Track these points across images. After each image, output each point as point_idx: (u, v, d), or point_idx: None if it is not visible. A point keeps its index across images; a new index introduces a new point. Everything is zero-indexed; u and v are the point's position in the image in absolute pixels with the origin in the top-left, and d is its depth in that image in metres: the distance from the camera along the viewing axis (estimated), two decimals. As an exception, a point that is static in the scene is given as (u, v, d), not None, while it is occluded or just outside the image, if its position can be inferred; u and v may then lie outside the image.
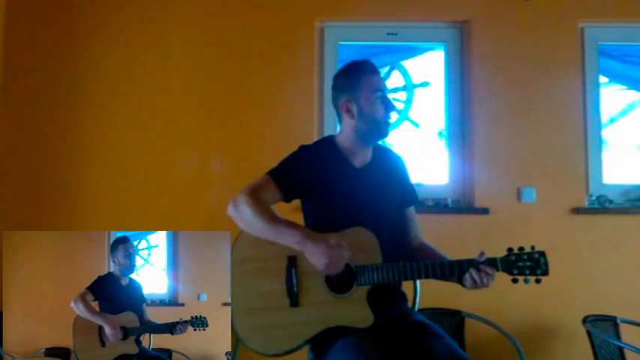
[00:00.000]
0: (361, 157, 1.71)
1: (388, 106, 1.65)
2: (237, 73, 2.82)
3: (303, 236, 1.50)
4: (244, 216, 1.55)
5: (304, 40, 2.83)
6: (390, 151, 1.83)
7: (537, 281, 1.47)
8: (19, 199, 2.76)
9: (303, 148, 1.71)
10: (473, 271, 1.48)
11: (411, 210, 1.80)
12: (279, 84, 2.80)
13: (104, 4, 2.86)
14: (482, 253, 1.50)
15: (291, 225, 1.54)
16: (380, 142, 1.75)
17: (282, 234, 1.52)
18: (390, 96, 1.72)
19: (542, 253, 1.48)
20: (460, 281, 1.52)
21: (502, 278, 1.51)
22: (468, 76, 2.86)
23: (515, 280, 1.49)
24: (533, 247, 1.49)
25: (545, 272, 1.46)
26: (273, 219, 1.54)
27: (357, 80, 1.65)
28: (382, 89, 1.65)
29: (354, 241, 1.53)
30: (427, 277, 1.53)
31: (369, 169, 1.71)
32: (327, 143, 1.72)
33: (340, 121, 1.73)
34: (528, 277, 1.47)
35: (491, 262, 1.49)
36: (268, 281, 1.57)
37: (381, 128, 1.65)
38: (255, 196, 1.56)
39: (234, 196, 1.58)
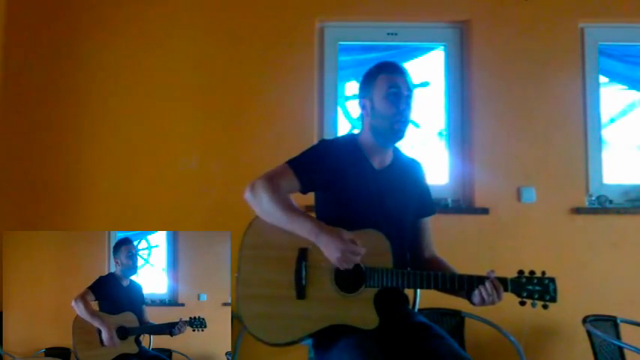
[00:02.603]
0: (380, 159, 1.71)
1: (401, 105, 1.63)
2: (237, 72, 2.81)
3: (318, 228, 1.50)
4: (261, 201, 1.55)
5: (304, 40, 2.83)
6: (412, 158, 1.82)
7: (544, 307, 1.45)
8: (19, 199, 2.76)
9: (325, 142, 1.72)
10: (482, 288, 1.46)
11: (426, 221, 1.79)
12: (279, 84, 2.80)
13: (104, 4, 2.86)
14: (492, 271, 1.49)
15: (307, 216, 1.54)
16: (396, 144, 1.73)
17: (297, 223, 1.52)
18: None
19: (552, 280, 1.46)
20: (469, 297, 1.52)
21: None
22: (468, 76, 2.86)
23: (522, 303, 1.47)
24: (543, 273, 1.48)
25: (554, 299, 1.45)
26: (289, 207, 1.54)
27: (374, 79, 1.67)
28: (398, 87, 1.63)
29: (366, 242, 1.53)
30: (436, 288, 1.52)
31: (388, 172, 1.71)
32: (349, 140, 1.73)
33: (361, 121, 1.74)
34: (536, 302, 1.46)
35: (502, 282, 1.47)
36: (277, 270, 1.56)
37: (393, 127, 1.63)
38: (273, 182, 1.56)
39: (252, 180, 1.58)
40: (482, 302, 1.47)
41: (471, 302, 1.51)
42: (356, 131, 1.79)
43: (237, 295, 1.59)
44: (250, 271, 1.59)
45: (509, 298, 1.48)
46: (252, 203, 1.58)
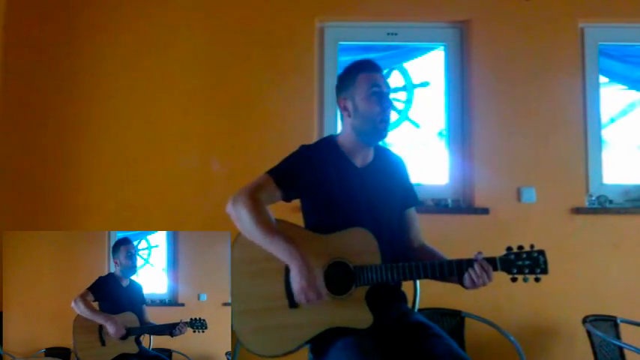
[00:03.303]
0: (362, 157, 1.70)
1: (384, 104, 1.63)
2: (238, 73, 2.81)
3: (294, 251, 1.48)
4: (242, 219, 1.54)
5: (304, 40, 2.83)
6: (392, 152, 1.83)
7: (537, 280, 1.47)
8: (19, 199, 2.76)
9: (304, 148, 1.71)
10: (472, 270, 1.48)
11: (412, 211, 1.79)
12: (279, 84, 2.80)
13: (104, 4, 2.86)
14: (479, 253, 1.51)
15: (284, 237, 1.51)
16: (380, 142, 1.75)
17: (274, 244, 1.50)
18: (391, 95, 1.71)
19: (541, 252, 1.48)
20: (460, 282, 1.53)
21: (502, 278, 1.51)
22: (468, 76, 2.86)
23: (514, 280, 1.49)
24: (532, 246, 1.49)
25: (545, 271, 1.46)
26: (268, 228, 1.52)
27: (354, 78, 1.66)
28: (379, 86, 1.64)
29: (353, 240, 1.53)
30: (426, 277, 1.53)
31: (370, 169, 1.71)
32: (328, 142, 1.72)
33: (342, 121, 1.73)
34: (527, 276, 1.47)
35: (491, 262, 1.49)
36: (267, 282, 1.56)
37: (377, 126, 1.63)
38: (254, 198, 1.54)
39: (234, 194, 1.57)
40: (474, 285, 1.49)
41: (463, 286, 1.52)
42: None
43: (231, 312, 1.58)
44: (240, 286, 1.59)
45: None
46: (233, 219, 1.56)
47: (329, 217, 1.63)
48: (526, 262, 1.47)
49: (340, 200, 1.63)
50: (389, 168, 1.76)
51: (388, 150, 1.83)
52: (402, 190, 1.77)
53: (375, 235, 1.55)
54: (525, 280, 1.47)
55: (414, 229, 1.78)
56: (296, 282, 1.46)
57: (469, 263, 1.49)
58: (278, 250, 1.50)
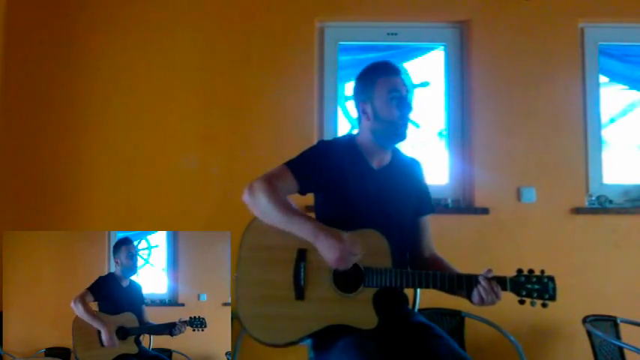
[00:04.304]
0: (379, 159, 1.71)
1: (403, 108, 1.64)
2: (237, 72, 2.82)
3: (317, 228, 1.49)
4: (259, 203, 1.54)
5: (304, 40, 2.83)
6: (410, 157, 1.82)
7: (544, 305, 1.45)
8: (19, 199, 2.76)
9: (323, 143, 1.72)
10: (481, 287, 1.46)
11: (425, 220, 1.79)
12: (279, 84, 2.80)
13: (104, 4, 2.86)
14: (489, 270, 1.48)
15: (306, 217, 1.53)
16: (398, 145, 1.75)
17: (296, 224, 1.51)
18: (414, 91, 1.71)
19: (551, 278, 1.46)
20: (468, 297, 1.51)
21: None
22: (468, 76, 2.86)
23: (522, 302, 1.47)
24: (542, 271, 1.47)
25: (553, 298, 1.45)
26: (288, 208, 1.53)
27: (373, 82, 1.66)
28: (399, 90, 1.65)
29: (365, 242, 1.53)
30: (435, 287, 1.52)
31: (386, 172, 1.71)
32: (347, 141, 1.73)
33: (359, 122, 1.73)
34: (535, 301, 1.45)
35: (501, 281, 1.47)
36: (276, 271, 1.57)
37: (397, 130, 1.65)
38: (272, 184, 1.55)
39: (250, 182, 1.57)
40: (482, 302, 1.47)
41: (471, 302, 1.51)
42: (355, 131, 1.79)
43: (236, 296, 1.59)
44: (249, 271, 1.59)
45: (509, 298, 1.48)
46: (250, 205, 1.57)
47: (340, 215, 1.63)
48: (535, 287, 1.45)
49: (354, 199, 1.64)
50: (406, 173, 1.76)
51: (406, 155, 1.82)
52: (417, 196, 1.77)
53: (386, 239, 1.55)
54: (533, 304, 1.45)
55: (426, 237, 1.78)
56: (331, 256, 1.46)
57: (479, 280, 1.48)
58: (301, 230, 1.51)
